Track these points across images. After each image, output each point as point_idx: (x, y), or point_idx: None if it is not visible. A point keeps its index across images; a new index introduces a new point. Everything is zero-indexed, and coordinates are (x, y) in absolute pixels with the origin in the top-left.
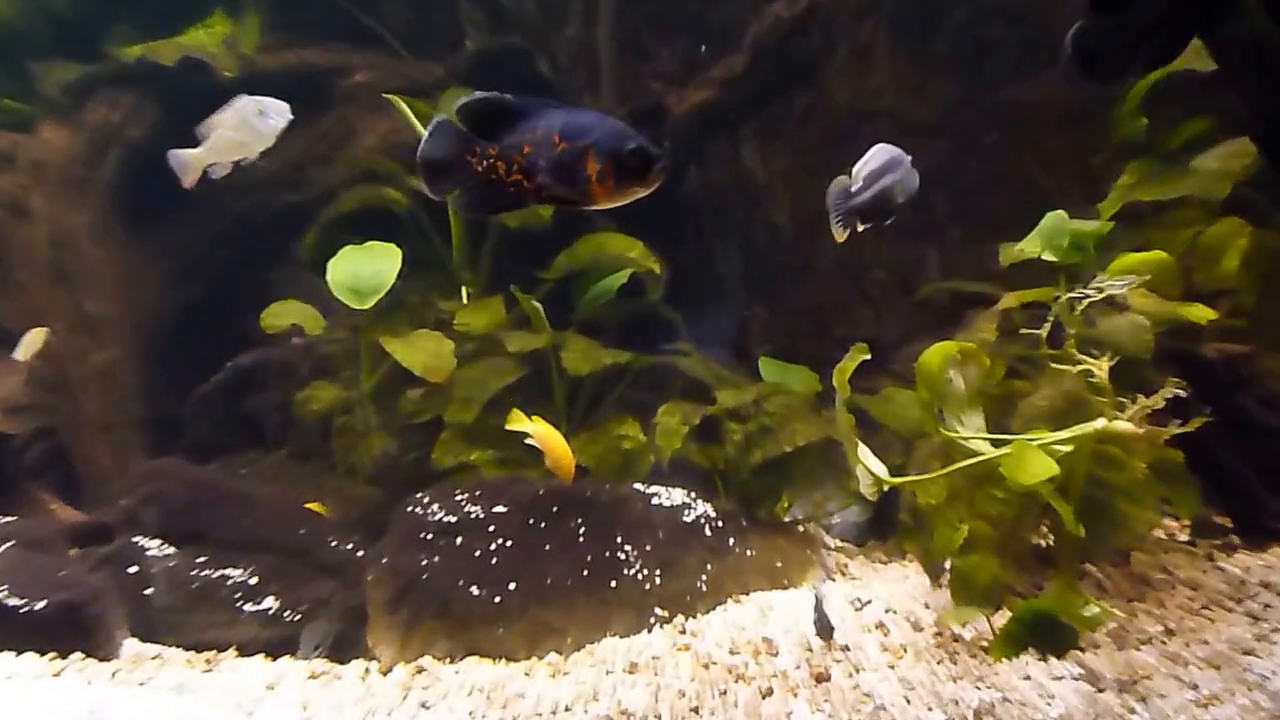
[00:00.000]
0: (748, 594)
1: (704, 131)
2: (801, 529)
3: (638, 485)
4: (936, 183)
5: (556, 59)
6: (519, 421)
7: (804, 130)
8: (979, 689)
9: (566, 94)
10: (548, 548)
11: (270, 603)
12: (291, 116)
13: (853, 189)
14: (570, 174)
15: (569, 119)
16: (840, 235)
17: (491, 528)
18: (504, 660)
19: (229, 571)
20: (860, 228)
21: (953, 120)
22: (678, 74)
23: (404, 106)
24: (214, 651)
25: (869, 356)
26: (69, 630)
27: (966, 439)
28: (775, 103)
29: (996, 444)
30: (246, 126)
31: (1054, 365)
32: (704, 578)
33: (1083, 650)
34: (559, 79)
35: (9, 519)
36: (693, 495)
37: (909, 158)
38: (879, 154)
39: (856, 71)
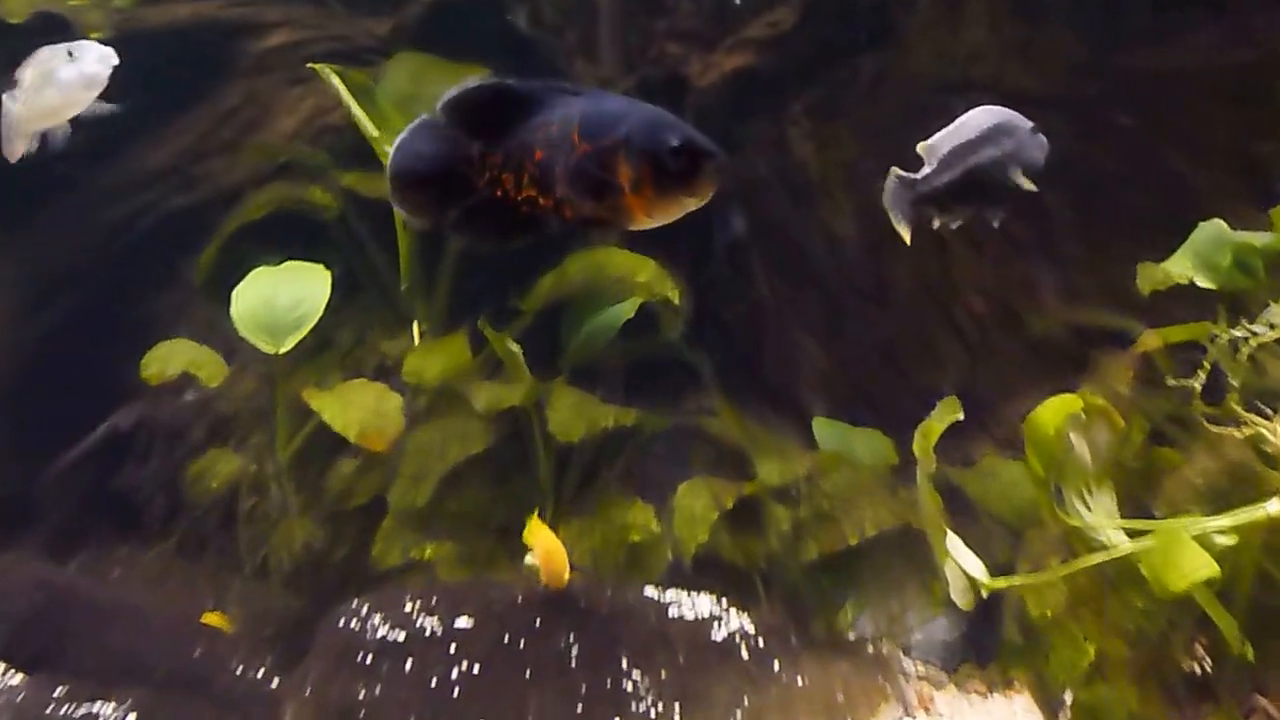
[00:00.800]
0: None
1: (738, 110)
2: (871, 650)
3: (650, 590)
4: (1052, 179)
5: (539, 11)
6: (539, 534)
7: (874, 107)
8: None
9: (552, 59)
10: (529, 675)
11: None
12: (115, 60)
13: (928, 167)
14: (597, 184)
15: (591, 108)
16: (905, 233)
17: (452, 647)
18: None
19: (96, 708)
20: (938, 223)
21: (1073, 94)
22: (703, 32)
23: (335, 78)
24: None
25: (962, 415)
26: None
27: (1094, 527)
28: (835, 71)
29: (1135, 534)
30: (56, 82)
31: (1212, 427)
32: (739, 716)
33: None
34: (541, 38)
35: None
36: (724, 604)
37: (1027, 123)
38: (976, 119)
39: (945, 28)
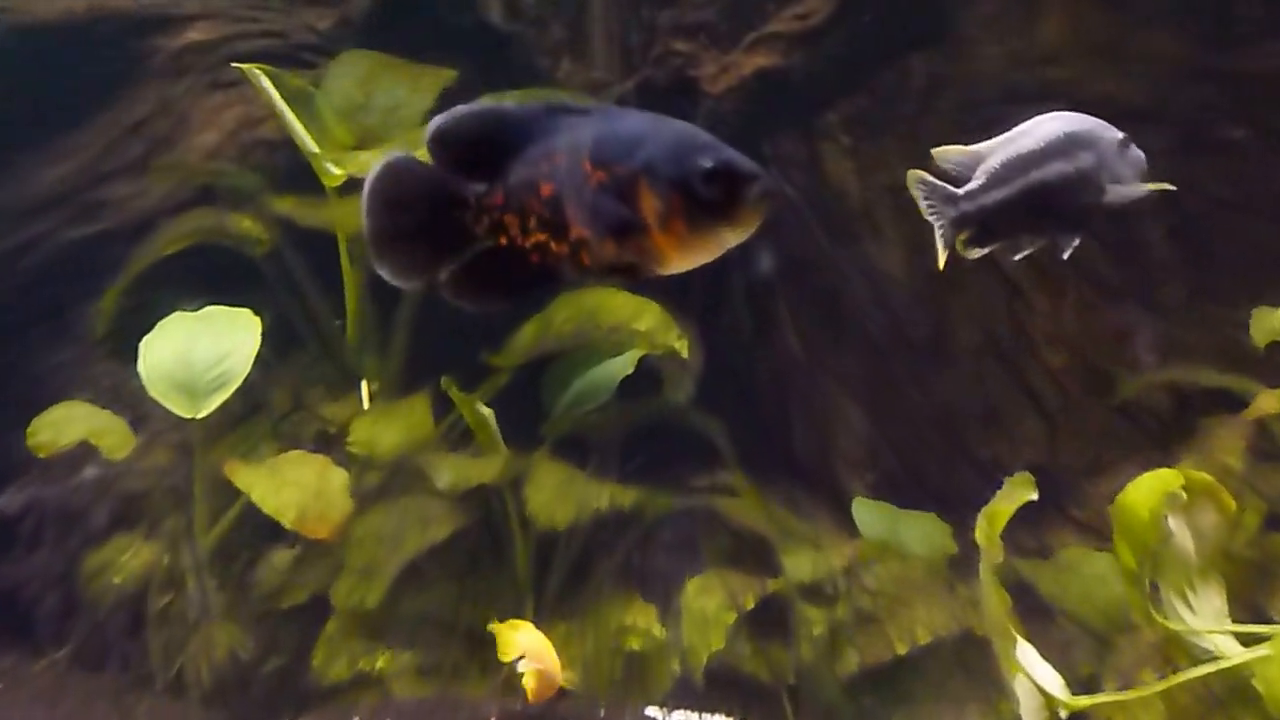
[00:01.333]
0: None
1: (761, 123)
2: None
3: (652, 711)
4: (1148, 208)
5: (517, 1)
6: (509, 642)
7: (928, 119)
8: None
9: (531, 59)
10: None
11: None
12: None
13: (975, 180)
14: (617, 222)
15: (604, 130)
16: (940, 256)
17: None
18: None
19: None
20: (977, 252)
21: (1172, 105)
22: (717, 26)
23: (267, 81)
24: None
25: (1036, 496)
26: None
27: (1199, 632)
28: (880, 74)
29: (1248, 641)
30: None
31: None
32: None
33: None
34: (519, 33)
35: None
36: None
37: (1116, 134)
38: (1044, 126)
39: (1015, 23)
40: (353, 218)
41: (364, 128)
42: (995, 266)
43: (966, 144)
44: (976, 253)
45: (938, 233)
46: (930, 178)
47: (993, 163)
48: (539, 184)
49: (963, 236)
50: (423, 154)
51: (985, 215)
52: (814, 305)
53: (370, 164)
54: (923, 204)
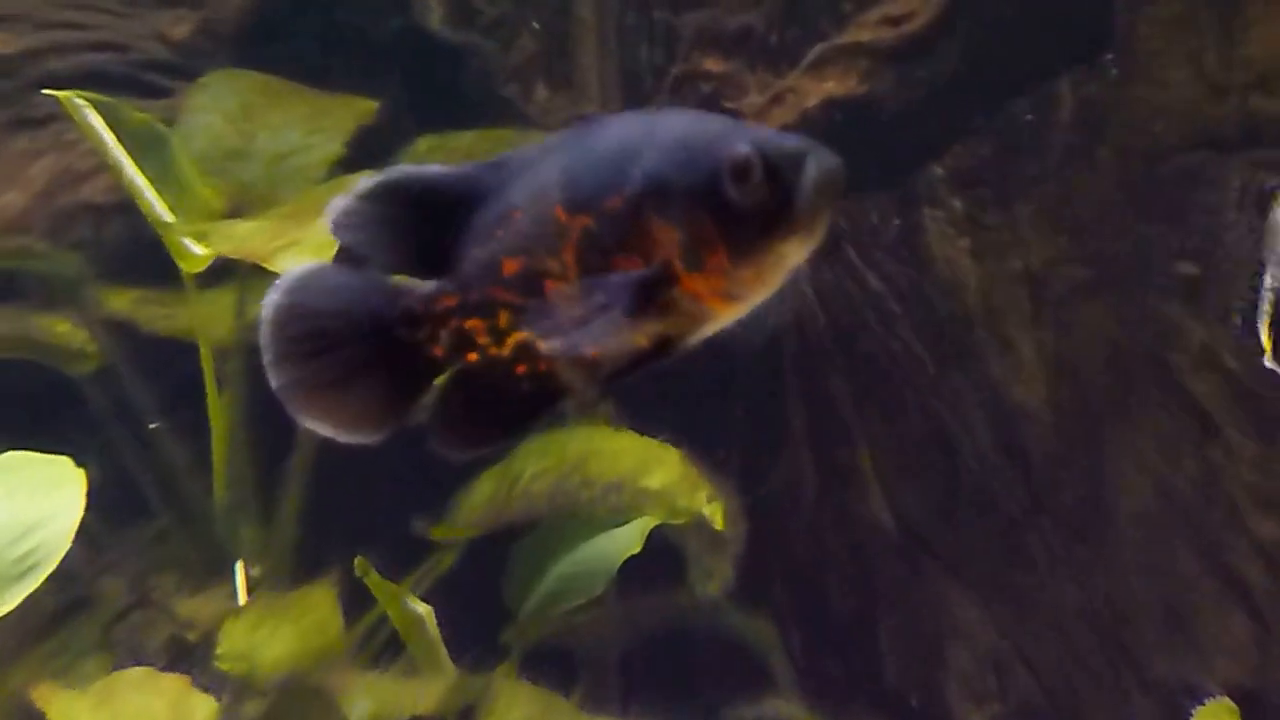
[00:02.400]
0: None
1: None
2: None
3: None
4: None
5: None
6: None
7: (1081, 174)
8: None
9: (493, 83)
10: None
11: None
12: None
13: None
14: (623, 286)
15: (573, 155)
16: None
17: None
18: None
19: None
20: None
21: None
22: (767, 38)
23: (95, 117)
24: None
25: None
26: None
27: None
28: (1008, 108)
29: None
30: None
31: None
32: None
33: None
34: (474, 47)
35: None
36: None
37: None
38: None
39: (1208, 36)
40: (220, 319)
41: (240, 185)
42: (1176, 388)
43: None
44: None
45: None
46: None
47: None
48: (500, 263)
49: None
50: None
51: None
52: (911, 453)
53: (250, 241)
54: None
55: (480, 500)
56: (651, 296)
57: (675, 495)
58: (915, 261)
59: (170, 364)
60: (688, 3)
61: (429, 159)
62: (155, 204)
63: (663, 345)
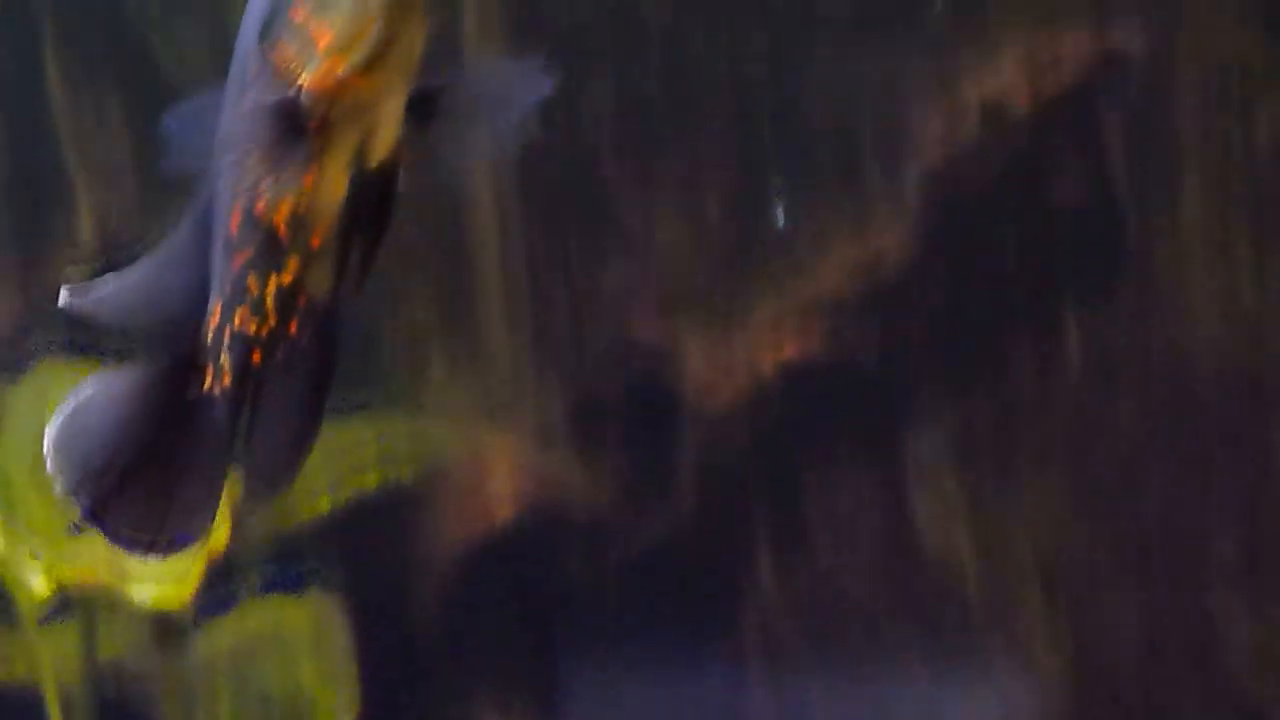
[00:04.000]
0: None
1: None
2: None
3: None
4: None
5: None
6: None
7: (1097, 435)
8: None
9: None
10: None
11: None
12: None
13: None
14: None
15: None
16: None
17: None
18: None
19: None
20: None
21: None
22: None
23: None
24: None
25: None
26: None
27: None
28: (1005, 355)
29: None
30: None
31: None
32: None
33: None
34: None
35: None
36: None
37: None
38: None
39: (1243, 251)
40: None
41: None
42: None
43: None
44: None
45: None
46: None
47: None
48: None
49: None
50: None
51: None
52: None
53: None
54: None
55: None
56: (289, 112)
57: None
58: (904, 550)
59: None
60: (617, 253)
61: None
62: None
63: (370, 177)
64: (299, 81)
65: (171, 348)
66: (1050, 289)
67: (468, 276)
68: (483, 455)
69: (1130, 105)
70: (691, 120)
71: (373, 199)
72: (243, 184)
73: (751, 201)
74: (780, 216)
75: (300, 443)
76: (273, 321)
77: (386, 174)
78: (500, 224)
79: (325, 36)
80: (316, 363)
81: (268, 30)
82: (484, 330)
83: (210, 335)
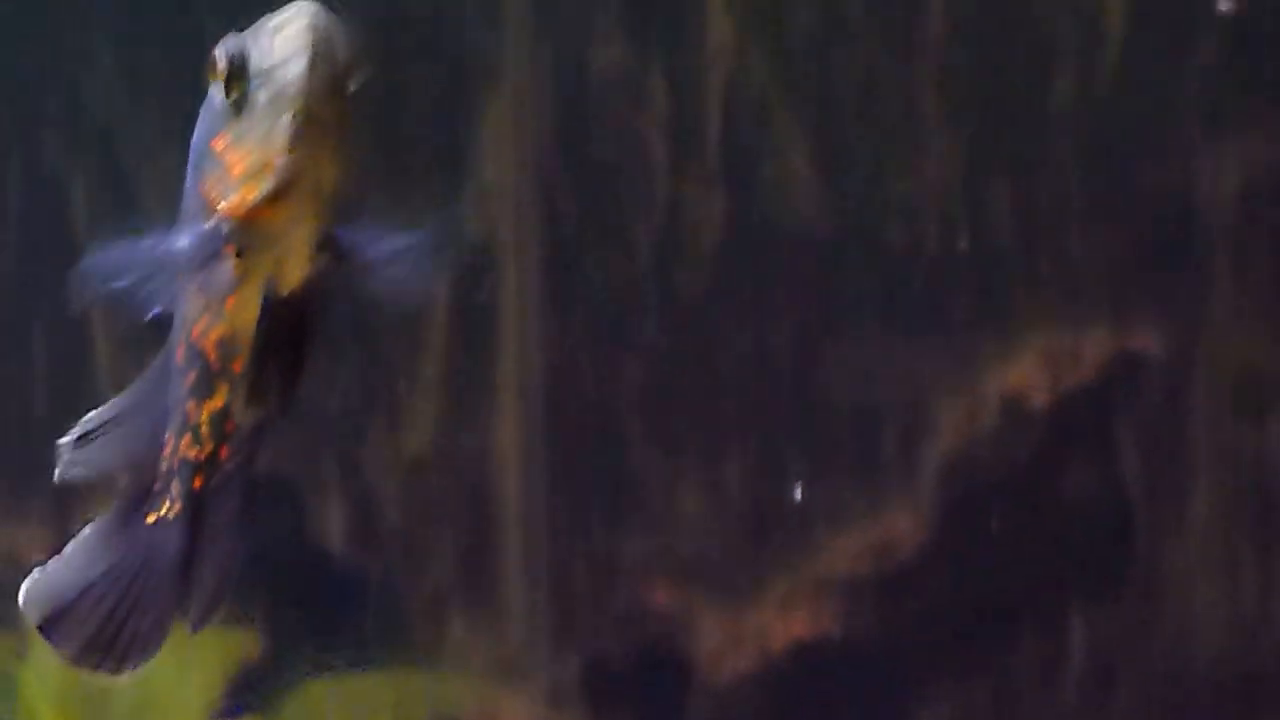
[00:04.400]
0: None
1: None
2: None
3: None
4: None
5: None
6: None
7: None
8: None
9: None
10: None
11: None
12: None
13: None
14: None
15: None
16: None
17: None
18: None
19: None
20: None
21: None
22: (716, 572)
23: None
24: None
25: None
26: None
27: None
28: (1010, 640)
29: None
30: None
31: None
32: None
33: None
34: None
35: None
36: None
37: None
38: None
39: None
40: None
41: None
42: None
43: None
44: None
45: None
46: None
47: None
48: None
49: None
50: None
51: None
52: None
53: None
54: None
55: None
56: (209, 238)
57: None
58: None
59: None
60: (633, 525)
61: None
62: None
63: (282, 304)
64: (218, 209)
65: (136, 478)
66: (1057, 584)
67: (489, 534)
68: (496, 715)
69: (1146, 406)
70: (717, 396)
71: (287, 326)
72: (188, 312)
73: (770, 478)
74: (798, 494)
75: (225, 571)
76: (209, 446)
77: (299, 303)
78: (524, 486)
79: (238, 165)
80: (240, 488)
81: (199, 160)
82: (502, 589)
83: (164, 462)
